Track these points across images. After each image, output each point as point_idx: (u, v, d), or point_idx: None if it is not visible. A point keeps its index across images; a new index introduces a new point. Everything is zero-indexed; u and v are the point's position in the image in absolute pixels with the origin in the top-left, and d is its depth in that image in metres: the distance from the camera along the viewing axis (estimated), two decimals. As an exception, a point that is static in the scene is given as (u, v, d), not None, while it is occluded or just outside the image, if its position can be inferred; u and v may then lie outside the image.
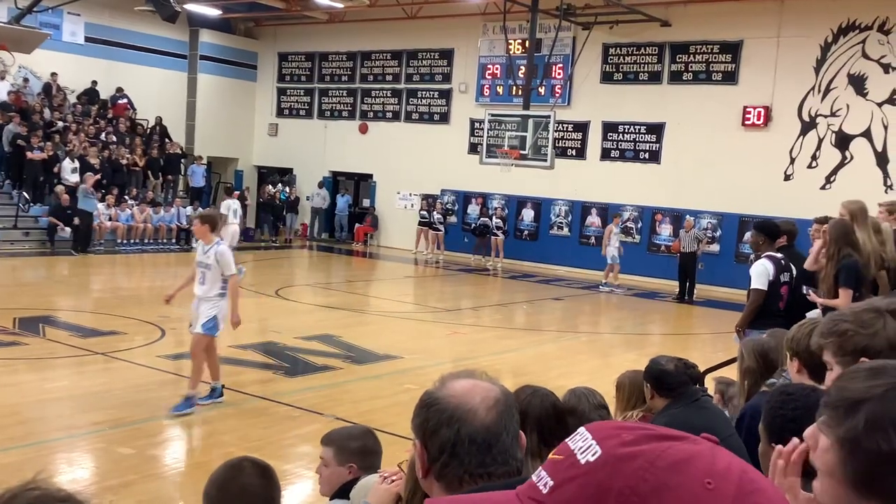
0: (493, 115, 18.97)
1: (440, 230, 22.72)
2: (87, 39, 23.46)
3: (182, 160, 23.79)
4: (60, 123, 21.55)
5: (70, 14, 22.82)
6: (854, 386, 1.04)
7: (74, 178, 20.28)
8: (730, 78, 19.44)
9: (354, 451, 3.14)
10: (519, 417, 1.59)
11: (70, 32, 23.09)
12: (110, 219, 20.09)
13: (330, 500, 3.01)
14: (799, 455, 1.33)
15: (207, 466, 6.41)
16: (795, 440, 1.37)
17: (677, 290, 17.97)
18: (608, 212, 21.04)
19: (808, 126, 18.56)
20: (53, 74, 22.54)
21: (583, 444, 0.92)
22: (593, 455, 0.91)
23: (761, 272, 6.97)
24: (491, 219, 22.00)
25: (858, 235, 6.17)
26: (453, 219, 23.42)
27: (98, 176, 19.31)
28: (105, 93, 23.98)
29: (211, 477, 2.77)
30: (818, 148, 18.46)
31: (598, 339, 13.39)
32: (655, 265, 19.87)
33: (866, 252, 6.13)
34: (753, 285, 6.99)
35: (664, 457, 0.87)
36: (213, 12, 23.27)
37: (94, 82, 23.48)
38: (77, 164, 20.38)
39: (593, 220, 21.36)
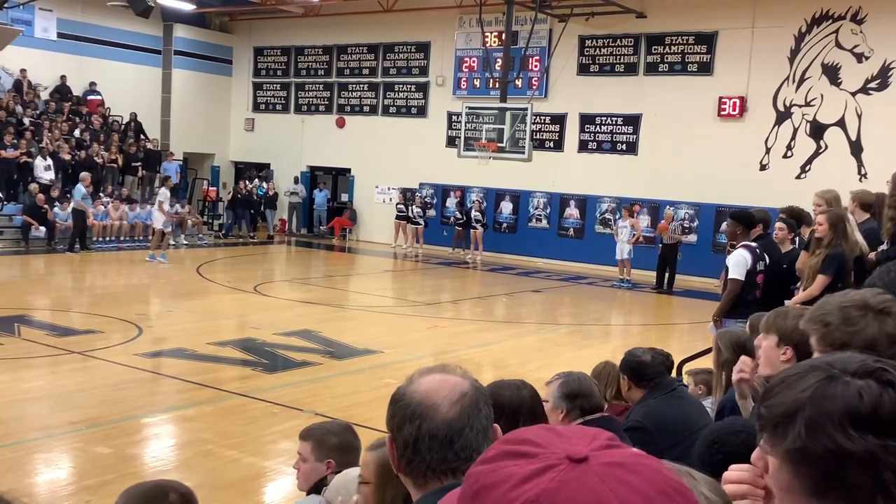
0: (470, 108, 18.94)
1: (420, 224, 22.69)
2: (60, 35, 23.15)
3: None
4: (28, 121, 21.24)
5: (42, 10, 22.54)
6: (780, 400, 1.04)
7: (48, 175, 20.05)
8: (705, 69, 19.53)
9: (334, 446, 3.12)
10: (491, 411, 1.58)
11: (42, 28, 22.80)
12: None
13: (307, 495, 2.99)
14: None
15: (187, 465, 6.40)
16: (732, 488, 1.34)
17: (655, 280, 18.06)
18: (586, 203, 21.10)
19: (782, 116, 18.69)
20: (22, 70, 22.23)
21: None
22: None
23: (739, 262, 7.00)
24: (470, 212, 21.97)
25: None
26: (432, 212, 23.40)
27: (90, 175, 18.83)
28: (78, 89, 23.72)
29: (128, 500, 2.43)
30: (793, 138, 18.60)
31: (577, 330, 13.43)
32: (635, 256, 19.91)
33: (851, 242, 6.17)
34: (731, 275, 7.02)
35: (480, 481, 0.83)
36: (186, 7, 23.07)
37: (63, 77, 23.19)
38: (50, 161, 20.15)
39: (572, 212, 21.40)
